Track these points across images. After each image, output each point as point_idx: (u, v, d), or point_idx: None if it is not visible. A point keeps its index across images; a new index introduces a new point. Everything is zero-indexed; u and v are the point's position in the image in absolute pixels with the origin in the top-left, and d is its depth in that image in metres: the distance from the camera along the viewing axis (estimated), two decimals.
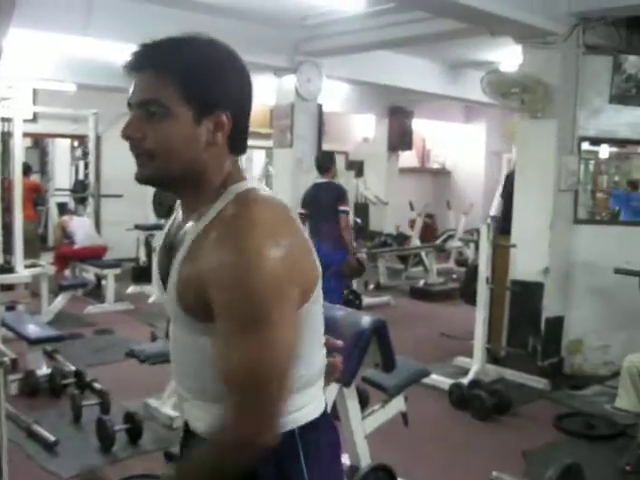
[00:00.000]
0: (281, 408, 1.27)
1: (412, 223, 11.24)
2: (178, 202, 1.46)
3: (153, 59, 1.30)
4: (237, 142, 1.37)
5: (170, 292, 1.33)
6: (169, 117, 1.28)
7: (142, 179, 1.34)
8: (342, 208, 6.17)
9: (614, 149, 10.82)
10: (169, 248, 1.41)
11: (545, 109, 5.32)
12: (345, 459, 3.28)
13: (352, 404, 3.13)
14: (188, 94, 1.28)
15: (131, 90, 1.31)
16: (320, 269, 1.37)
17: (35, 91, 8.80)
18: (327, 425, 1.48)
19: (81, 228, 8.27)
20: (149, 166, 1.31)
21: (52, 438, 3.97)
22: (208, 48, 1.34)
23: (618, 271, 4.85)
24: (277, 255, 1.21)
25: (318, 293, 1.36)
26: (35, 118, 9.14)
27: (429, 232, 11.95)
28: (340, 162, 12.22)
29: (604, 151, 10.36)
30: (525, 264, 5.53)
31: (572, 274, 5.62)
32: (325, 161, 6.45)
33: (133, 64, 1.31)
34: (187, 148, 1.30)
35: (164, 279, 1.38)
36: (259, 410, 1.24)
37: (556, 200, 5.45)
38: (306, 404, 1.39)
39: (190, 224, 1.36)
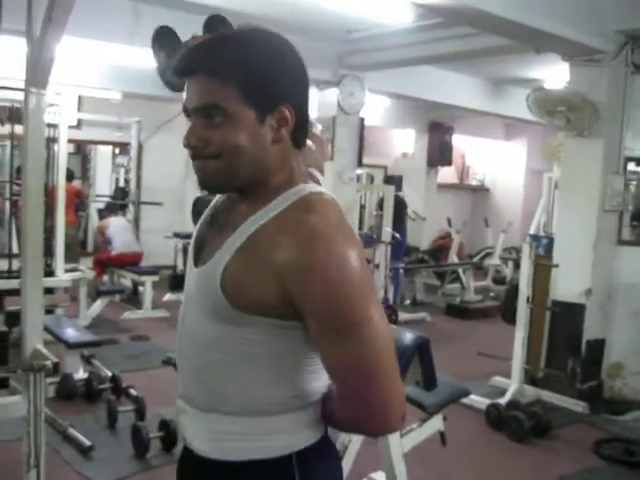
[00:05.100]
0: (401, 392, 1.26)
1: (438, 240, 11.12)
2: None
3: (204, 61, 1.22)
4: (300, 135, 1.31)
5: (209, 274, 1.24)
6: (231, 120, 1.21)
7: (205, 181, 1.27)
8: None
9: None
10: (210, 222, 1.38)
11: (591, 128, 5.25)
12: (381, 477, 3.25)
13: None
14: (248, 93, 1.21)
15: (185, 95, 1.25)
16: None
17: (80, 98, 8.93)
18: (328, 452, 1.38)
19: (119, 234, 8.30)
20: (212, 166, 1.24)
21: (87, 443, 4.00)
22: (262, 40, 1.26)
23: None
24: (359, 256, 1.19)
25: None
26: (79, 125, 9.27)
27: (462, 249, 11.85)
28: (379, 176, 12.22)
29: None
30: (567, 285, 5.45)
31: (614, 296, 5.51)
32: (397, 181, 10.01)
33: (184, 69, 1.24)
34: (253, 148, 1.23)
35: (199, 251, 1.35)
36: (384, 401, 1.23)
37: (600, 220, 5.36)
38: (305, 426, 1.31)
39: (242, 211, 1.28)
